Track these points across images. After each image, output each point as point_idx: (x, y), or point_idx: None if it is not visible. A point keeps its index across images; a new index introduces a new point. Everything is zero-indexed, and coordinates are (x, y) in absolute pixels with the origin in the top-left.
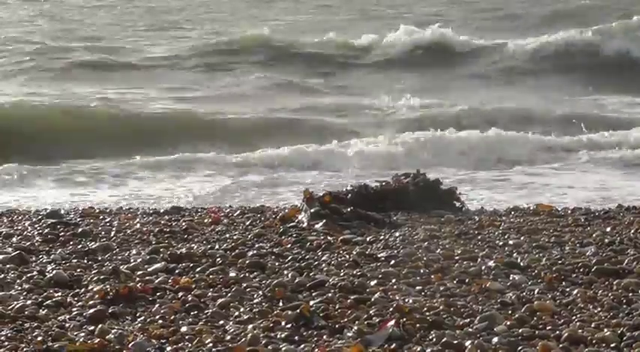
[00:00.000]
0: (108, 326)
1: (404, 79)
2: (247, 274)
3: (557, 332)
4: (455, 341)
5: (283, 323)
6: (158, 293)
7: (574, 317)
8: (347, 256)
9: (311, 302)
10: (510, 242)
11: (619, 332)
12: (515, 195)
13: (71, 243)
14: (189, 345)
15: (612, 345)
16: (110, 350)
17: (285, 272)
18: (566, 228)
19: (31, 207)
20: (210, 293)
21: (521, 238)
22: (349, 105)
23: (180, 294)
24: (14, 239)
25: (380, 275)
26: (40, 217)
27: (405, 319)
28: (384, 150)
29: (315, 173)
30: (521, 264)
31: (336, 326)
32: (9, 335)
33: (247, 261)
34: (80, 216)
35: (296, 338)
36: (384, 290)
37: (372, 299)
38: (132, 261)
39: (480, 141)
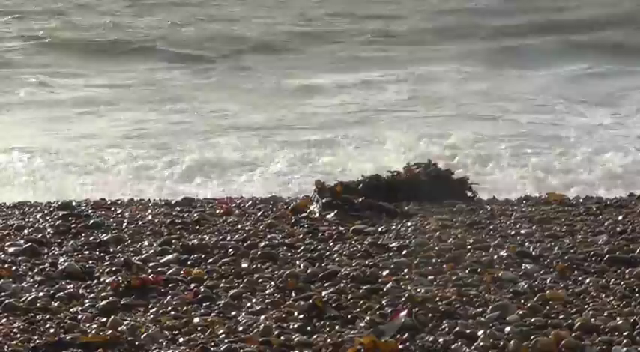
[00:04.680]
0: (120, 318)
1: None
2: (259, 265)
3: (570, 321)
4: (467, 331)
5: (295, 314)
6: (170, 285)
7: (586, 306)
8: (359, 246)
9: (323, 293)
10: (522, 231)
11: (631, 320)
12: None
13: (83, 234)
14: (202, 336)
15: (625, 334)
16: (122, 341)
17: (297, 262)
18: (578, 217)
19: None
20: (222, 284)
21: (533, 227)
22: None
23: (193, 285)
24: (26, 231)
25: (392, 265)
26: (51, 209)
27: (417, 309)
28: None
29: None
30: (533, 253)
31: (349, 316)
32: (21, 327)
33: (259, 252)
34: (92, 208)
35: (308, 328)
36: (396, 280)
37: (384, 289)
38: (144, 252)
39: None
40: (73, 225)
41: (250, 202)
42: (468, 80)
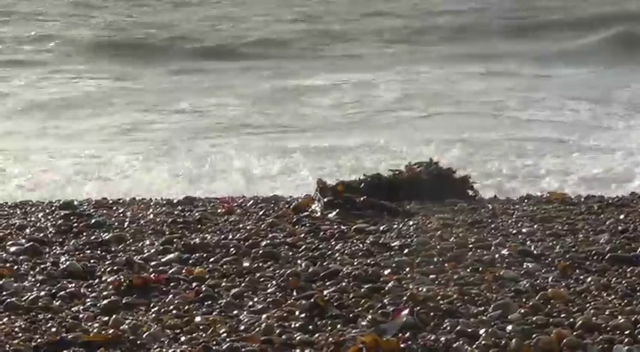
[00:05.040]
0: (122, 317)
1: None
2: (261, 264)
3: (571, 319)
4: (469, 330)
5: (297, 313)
6: (172, 284)
7: (588, 305)
8: (360, 245)
9: (325, 292)
10: (524, 230)
11: (633, 319)
12: None
13: (84, 233)
14: (203, 335)
15: (626, 332)
16: (124, 340)
17: (299, 261)
18: (580, 215)
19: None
20: (223, 283)
21: (535, 226)
22: None
23: (194, 284)
24: (27, 230)
25: (394, 264)
26: (53, 208)
27: (418, 308)
28: None
29: None
30: (535, 252)
31: (350, 315)
32: (23, 326)
33: (261, 251)
34: (93, 207)
35: (310, 327)
36: (397, 279)
37: (386, 288)
38: (145, 251)
39: None
40: (75, 224)
41: (252, 201)
42: (468, 79)
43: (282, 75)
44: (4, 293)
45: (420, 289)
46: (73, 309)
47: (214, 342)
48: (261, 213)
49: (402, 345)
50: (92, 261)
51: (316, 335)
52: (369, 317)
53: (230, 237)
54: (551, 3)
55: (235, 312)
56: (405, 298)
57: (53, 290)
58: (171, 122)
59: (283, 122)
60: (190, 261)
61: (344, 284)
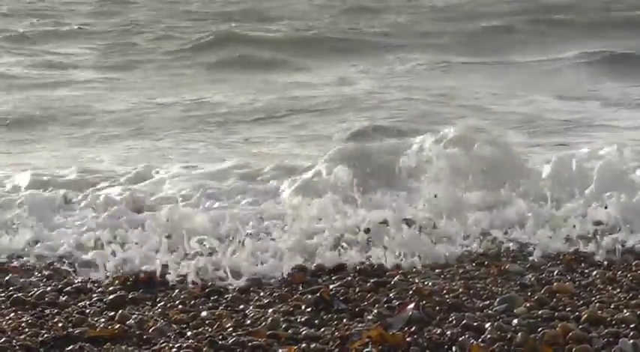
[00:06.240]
0: (128, 312)
1: None
2: None
3: (577, 313)
4: (475, 323)
5: (303, 307)
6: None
7: (593, 299)
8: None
9: (331, 286)
10: None
11: (638, 312)
12: None
13: None
14: (210, 330)
15: (632, 326)
16: (130, 335)
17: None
18: None
19: None
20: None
21: None
22: None
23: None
24: None
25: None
26: None
27: (424, 302)
28: None
29: None
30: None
31: (356, 309)
32: (30, 321)
33: None
34: None
35: (316, 321)
36: (403, 274)
37: (392, 283)
38: None
39: None
40: None
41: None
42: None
43: (280, 70)
44: (11, 288)
45: (426, 283)
46: (79, 304)
47: (220, 337)
48: None
49: (407, 339)
50: None
51: (322, 329)
52: (375, 311)
53: None
54: None
55: (241, 307)
56: (410, 292)
57: (60, 286)
58: (173, 114)
59: (284, 115)
60: None
61: (350, 278)
